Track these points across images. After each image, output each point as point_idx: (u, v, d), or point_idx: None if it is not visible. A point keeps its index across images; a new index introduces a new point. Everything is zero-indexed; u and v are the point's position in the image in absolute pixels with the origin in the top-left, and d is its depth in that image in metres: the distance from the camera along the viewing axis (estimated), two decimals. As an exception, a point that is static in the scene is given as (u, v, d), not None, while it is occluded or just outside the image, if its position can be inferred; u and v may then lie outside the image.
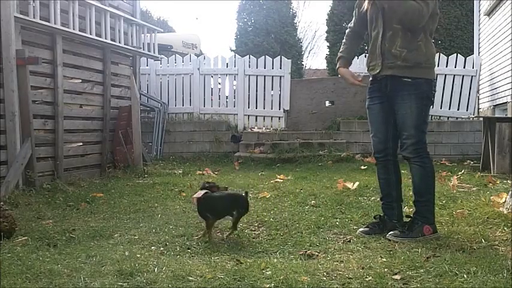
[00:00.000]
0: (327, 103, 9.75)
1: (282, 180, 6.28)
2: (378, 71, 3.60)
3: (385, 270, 2.84)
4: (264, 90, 9.93)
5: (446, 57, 9.65)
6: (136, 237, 3.75)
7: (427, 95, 3.53)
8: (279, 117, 9.92)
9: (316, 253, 3.24)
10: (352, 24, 3.87)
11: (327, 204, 4.70)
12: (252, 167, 8.13)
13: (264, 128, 9.85)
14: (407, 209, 3.93)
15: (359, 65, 10.13)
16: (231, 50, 18.61)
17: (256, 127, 9.89)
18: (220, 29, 47.22)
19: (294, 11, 20.13)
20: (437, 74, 9.50)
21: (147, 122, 9.41)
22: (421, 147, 3.56)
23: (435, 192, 3.68)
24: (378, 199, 4.77)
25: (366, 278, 2.73)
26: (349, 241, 3.51)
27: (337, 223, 4.01)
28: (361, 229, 3.74)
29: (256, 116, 10.01)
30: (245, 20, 18.86)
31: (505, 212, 4.00)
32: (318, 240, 3.54)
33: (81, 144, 7.05)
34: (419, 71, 3.51)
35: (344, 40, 3.93)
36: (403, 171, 3.81)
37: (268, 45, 17.77)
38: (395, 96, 3.57)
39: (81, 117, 7.07)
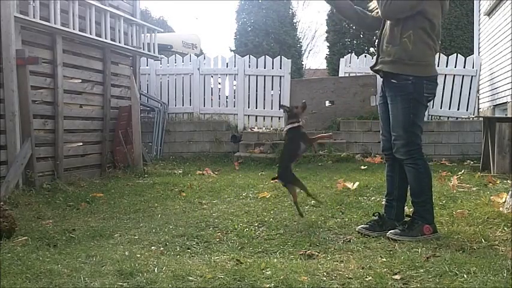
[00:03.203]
0: (327, 103, 9.75)
1: (282, 180, 6.27)
2: (373, 65, 3.73)
3: (385, 270, 2.84)
4: (264, 90, 9.93)
5: (446, 57, 9.65)
6: (136, 237, 3.75)
7: (413, 96, 3.51)
8: (279, 117, 9.91)
9: (316, 253, 3.24)
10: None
11: (327, 204, 4.69)
12: (252, 167, 8.12)
13: (264, 128, 9.85)
14: (407, 209, 3.93)
15: (359, 65, 10.19)
16: (231, 50, 18.62)
17: (256, 127, 9.90)
18: (220, 29, 47.24)
19: (293, 11, 20.15)
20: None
21: (147, 122, 9.41)
22: (413, 149, 3.55)
23: (435, 192, 3.69)
24: (378, 199, 4.80)
25: (366, 278, 2.73)
26: (349, 241, 3.51)
27: (337, 223, 4.01)
28: (361, 225, 3.74)
29: (256, 116, 10.00)
30: (244, 20, 18.87)
31: (505, 212, 4.00)
32: (318, 240, 3.54)
33: (81, 144, 7.05)
34: (402, 67, 3.52)
35: None
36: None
37: (268, 46, 17.79)
38: (387, 97, 3.65)
39: (81, 117, 7.07)
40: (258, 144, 9.01)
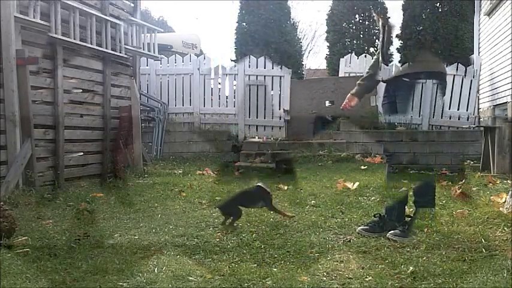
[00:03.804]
0: (327, 103, 9.74)
1: (281, 180, 6.28)
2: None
3: (385, 270, 2.84)
4: (265, 90, 9.92)
5: (446, 57, 9.67)
6: (136, 237, 3.75)
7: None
8: (279, 117, 9.91)
9: (316, 253, 3.24)
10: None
11: (327, 204, 4.70)
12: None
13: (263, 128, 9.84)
14: (408, 209, 3.93)
15: (359, 65, 10.18)
16: (235, 49, 18.54)
17: (256, 137, 9.87)
18: (220, 29, 47.19)
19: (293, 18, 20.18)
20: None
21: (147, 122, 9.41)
22: None
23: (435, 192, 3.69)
24: (378, 199, 4.80)
25: (366, 278, 2.74)
26: (349, 241, 3.51)
27: (337, 223, 4.01)
28: (361, 227, 3.74)
29: (257, 114, 9.99)
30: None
31: (505, 212, 4.00)
32: (318, 240, 3.54)
33: (81, 153, 7.00)
34: (413, 66, 3.58)
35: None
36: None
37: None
38: (396, 96, 3.66)
39: (81, 117, 7.05)
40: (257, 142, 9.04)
